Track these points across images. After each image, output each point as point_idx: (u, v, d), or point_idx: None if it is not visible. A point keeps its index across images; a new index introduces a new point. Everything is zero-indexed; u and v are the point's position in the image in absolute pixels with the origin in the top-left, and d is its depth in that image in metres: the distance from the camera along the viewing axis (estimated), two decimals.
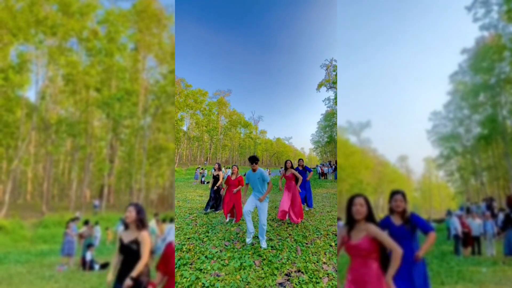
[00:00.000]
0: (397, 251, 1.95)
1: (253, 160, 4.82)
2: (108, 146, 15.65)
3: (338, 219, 2.34)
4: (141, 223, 2.60)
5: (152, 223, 6.82)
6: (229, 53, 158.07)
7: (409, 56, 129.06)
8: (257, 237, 5.17)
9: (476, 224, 7.60)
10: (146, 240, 2.54)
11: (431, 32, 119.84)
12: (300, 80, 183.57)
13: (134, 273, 2.40)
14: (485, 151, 20.89)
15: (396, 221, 2.43)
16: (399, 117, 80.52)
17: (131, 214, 2.57)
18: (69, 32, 14.31)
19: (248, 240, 4.82)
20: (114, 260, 2.62)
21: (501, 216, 8.29)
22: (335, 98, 45.43)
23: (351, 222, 2.14)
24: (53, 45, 14.19)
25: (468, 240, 7.51)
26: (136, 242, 2.54)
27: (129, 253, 2.52)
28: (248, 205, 4.78)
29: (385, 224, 2.46)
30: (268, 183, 4.86)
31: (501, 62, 17.37)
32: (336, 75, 43.66)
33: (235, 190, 6.95)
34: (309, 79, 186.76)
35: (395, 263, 1.95)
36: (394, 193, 2.52)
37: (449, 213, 8.92)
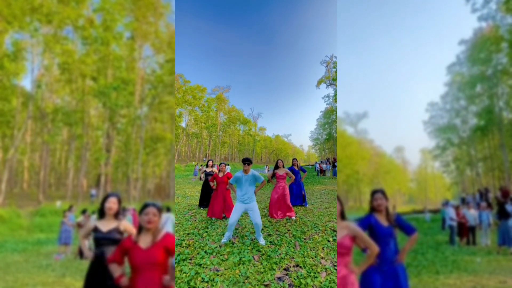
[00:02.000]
0: (375, 249, 2.18)
1: (247, 161, 4.69)
2: (105, 136, 15.59)
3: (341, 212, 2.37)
4: (118, 213, 2.60)
5: None
6: (228, 49, 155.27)
7: (408, 47, 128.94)
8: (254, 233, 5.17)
9: (471, 214, 7.67)
10: (131, 228, 2.59)
11: (430, 24, 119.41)
12: (300, 77, 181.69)
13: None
14: (481, 142, 21.00)
15: (383, 221, 2.41)
16: (396, 108, 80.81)
17: (115, 206, 2.55)
18: (65, 20, 14.10)
19: (223, 240, 4.73)
20: (88, 250, 2.65)
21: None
22: (335, 95, 45.09)
23: None
24: (49, 33, 13.98)
25: (463, 230, 7.59)
26: (118, 231, 2.53)
27: (109, 243, 2.49)
28: (235, 216, 4.55)
29: (369, 222, 2.42)
30: (261, 182, 4.82)
31: (499, 53, 17.34)
32: (336, 72, 43.29)
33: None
34: (309, 76, 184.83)
35: (370, 259, 2.21)
36: (374, 192, 2.51)
37: (446, 203, 8.97)
